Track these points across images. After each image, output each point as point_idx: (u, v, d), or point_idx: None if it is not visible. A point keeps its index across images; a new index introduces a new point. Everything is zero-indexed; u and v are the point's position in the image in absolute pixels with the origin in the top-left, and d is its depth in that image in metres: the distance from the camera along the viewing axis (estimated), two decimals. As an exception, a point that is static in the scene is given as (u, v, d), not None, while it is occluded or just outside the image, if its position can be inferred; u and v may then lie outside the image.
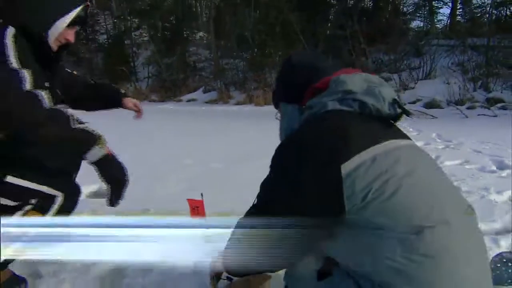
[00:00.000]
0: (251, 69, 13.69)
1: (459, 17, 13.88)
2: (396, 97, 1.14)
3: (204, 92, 14.18)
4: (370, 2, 15.06)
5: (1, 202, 1.34)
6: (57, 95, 1.54)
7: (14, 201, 1.36)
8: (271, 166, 1.10)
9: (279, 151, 1.10)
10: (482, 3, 12.87)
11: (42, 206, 1.41)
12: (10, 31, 1.32)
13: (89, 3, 1.49)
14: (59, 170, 1.48)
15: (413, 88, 9.62)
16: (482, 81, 8.89)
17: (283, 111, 1.26)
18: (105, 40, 18.25)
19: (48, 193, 1.41)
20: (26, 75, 1.25)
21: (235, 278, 1.50)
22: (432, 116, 7.12)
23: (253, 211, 1.11)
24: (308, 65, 1.26)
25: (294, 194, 0.99)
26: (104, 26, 18.92)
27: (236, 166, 3.97)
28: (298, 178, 1.00)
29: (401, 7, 14.76)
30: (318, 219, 0.98)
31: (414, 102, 8.79)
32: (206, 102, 13.30)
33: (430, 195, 0.98)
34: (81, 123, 1.30)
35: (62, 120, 1.26)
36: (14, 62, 1.26)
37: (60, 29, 1.42)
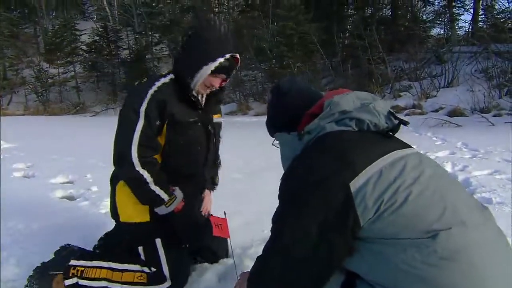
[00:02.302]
0: (269, 80, 13.74)
1: (481, 23, 13.58)
2: (390, 110, 1.19)
3: (224, 103, 14.30)
4: (389, 11, 14.94)
5: None
6: (207, 130, 1.84)
7: None
8: (279, 197, 1.11)
9: (285, 181, 1.11)
10: (505, 8, 12.58)
11: None
12: (166, 78, 1.72)
13: (236, 56, 1.72)
14: None
15: (435, 96, 9.41)
16: (508, 88, 8.60)
17: (281, 141, 1.27)
18: (127, 55, 18.73)
19: None
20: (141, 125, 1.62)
21: None
22: (456, 124, 6.92)
23: (270, 247, 1.11)
24: (298, 93, 1.31)
25: (307, 220, 1.00)
26: (127, 42, 19.45)
27: (256, 176, 3.96)
28: (308, 204, 1.00)
29: (421, 14, 14.57)
30: (335, 239, 0.98)
31: (436, 111, 8.58)
32: (226, 114, 13.40)
33: (440, 197, 0.99)
34: (162, 186, 1.66)
35: (140, 182, 1.63)
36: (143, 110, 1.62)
37: (205, 76, 1.66)
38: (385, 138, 1.14)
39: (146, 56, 17.83)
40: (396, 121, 1.17)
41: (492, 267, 0.92)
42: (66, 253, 1.77)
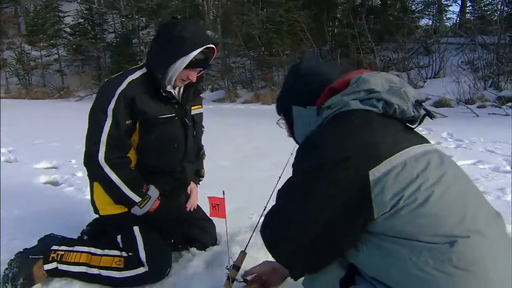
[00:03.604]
0: (258, 68, 13.64)
1: (469, 14, 13.67)
2: (418, 99, 1.09)
3: (212, 91, 14.16)
4: (378, 0, 14.90)
5: None
6: (185, 124, 1.80)
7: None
8: (293, 169, 1.06)
9: (300, 155, 1.04)
10: (492, 0, 12.68)
11: None
12: (136, 74, 1.68)
13: (212, 46, 1.66)
14: None
15: (422, 86, 9.48)
16: (492, 80, 8.73)
17: (297, 114, 1.19)
18: (113, 39, 18.29)
19: None
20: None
21: (250, 277, 1.47)
22: (442, 115, 6.99)
23: (274, 216, 1.07)
24: (320, 67, 1.23)
25: (315, 202, 0.95)
26: (112, 25, 18.97)
27: (244, 164, 3.95)
28: (319, 185, 0.95)
29: (410, 5, 14.57)
30: (343, 227, 0.94)
31: (423, 101, 8.65)
32: (214, 101, 13.28)
33: (461, 202, 0.94)
34: (133, 187, 1.63)
35: (109, 184, 1.60)
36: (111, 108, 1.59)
37: (179, 70, 1.63)
38: (408, 129, 1.08)
39: (133, 41, 17.45)
40: (423, 112, 1.08)
41: (506, 281, 0.88)
42: (49, 240, 1.74)
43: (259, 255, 1.77)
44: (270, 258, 1.18)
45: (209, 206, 1.52)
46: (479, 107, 7.67)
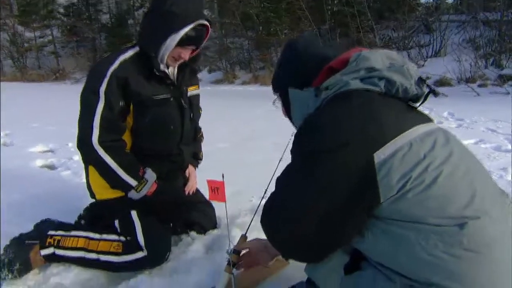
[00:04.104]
0: (256, 48, 13.43)
1: (471, -9, 13.39)
2: (421, 76, 1.04)
3: (209, 72, 13.98)
4: (379, -23, 14.54)
5: None
6: (181, 105, 1.74)
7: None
8: (292, 155, 1.00)
9: (299, 139, 0.99)
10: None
11: None
12: (129, 53, 1.61)
13: (205, 23, 1.59)
14: None
15: (422, 66, 9.36)
16: (494, 58, 8.61)
17: (293, 97, 1.13)
18: (108, 20, 17.94)
19: None
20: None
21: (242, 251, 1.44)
22: (442, 94, 6.93)
23: (272, 204, 1.02)
24: (317, 45, 1.16)
25: (316, 189, 0.90)
26: (107, 6, 18.57)
27: (242, 146, 3.91)
28: (320, 171, 0.90)
29: (411, -19, 14.24)
30: (347, 214, 0.90)
31: (425, 79, 8.56)
32: (212, 83, 13.13)
33: (470, 181, 0.90)
34: (129, 171, 1.58)
35: (104, 168, 1.56)
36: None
37: (171, 48, 1.56)
38: (410, 108, 1.02)
39: (128, 21, 17.12)
40: (426, 89, 1.03)
41: (510, 262, 0.85)
42: (45, 225, 1.70)
43: (260, 237, 1.75)
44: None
45: (208, 189, 1.48)
46: (480, 86, 7.59)
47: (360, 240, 0.95)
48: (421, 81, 1.03)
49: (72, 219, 1.94)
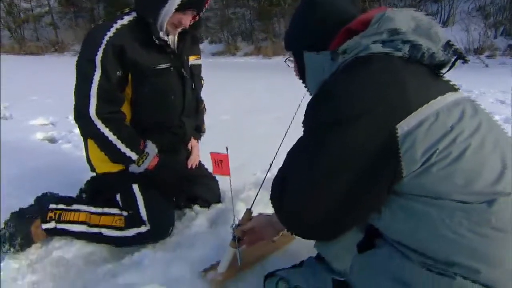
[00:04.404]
0: (258, 19, 13.08)
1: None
2: (449, 40, 0.95)
3: (211, 43, 13.70)
4: None
5: None
6: (182, 75, 1.66)
7: None
8: (305, 126, 0.92)
9: (313, 108, 0.90)
10: None
11: None
12: (126, 19, 1.52)
13: None
14: None
15: (429, 36, 9.10)
16: (504, 27, 8.35)
17: (307, 61, 1.04)
18: (106, -11, 17.42)
19: None
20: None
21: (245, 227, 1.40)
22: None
23: (283, 180, 0.94)
24: (335, 4, 1.05)
25: (336, 159, 0.82)
26: (104, -26, 18.00)
27: (245, 118, 3.85)
28: (340, 140, 0.82)
29: None
30: (366, 189, 0.83)
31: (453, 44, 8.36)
32: (213, 54, 12.89)
33: (499, 156, 0.83)
34: (129, 144, 1.52)
35: (103, 141, 1.50)
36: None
37: (170, 13, 1.46)
38: (436, 75, 0.94)
39: (126, -10, 16.63)
40: (454, 55, 0.93)
41: None
42: (46, 199, 1.67)
43: (265, 213, 1.71)
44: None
45: (212, 163, 1.42)
46: (488, 56, 7.41)
47: (377, 217, 0.89)
48: (448, 45, 0.93)
49: (73, 192, 1.91)
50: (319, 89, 0.93)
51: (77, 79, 1.52)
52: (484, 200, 0.78)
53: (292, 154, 0.95)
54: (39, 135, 3.41)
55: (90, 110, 1.45)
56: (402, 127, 0.79)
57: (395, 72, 0.86)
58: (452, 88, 0.93)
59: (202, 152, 1.99)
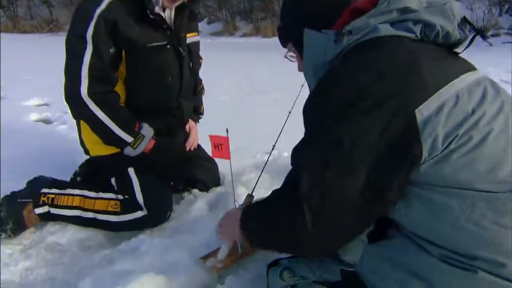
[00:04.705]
0: (258, -3, 12.79)
1: None
2: (465, 16, 0.87)
3: (209, 23, 13.42)
4: None
5: None
6: (179, 53, 1.57)
7: None
8: (310, 117, 0.83)
9: (321, 96, 0.82)
10: None
11: None
12: None
13: None
14: None
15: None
16: (509, 4, 8.16)
17: (307, 39, 0.93)
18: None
19: None
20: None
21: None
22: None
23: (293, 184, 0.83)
24: None
25: (349, 155, 0.74)
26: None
27: (244, 100, 3.77)
28: (353, 133, 0.74)
29: None
30: (386, 181, 0.75)
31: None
32: (211, 34, 12.65)
33: None
34: (124, 126, 1.45)
35: (96, 123, 1.43)
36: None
37: None
38: (453, 54, 0.86)
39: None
40: (471, 33, 0.86)
41: None
42: (39, 183, 1.61)
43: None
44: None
45: (211, 146, 1.35)
46: (492, 35, 7.27)
47: (391, 208, 0.82)
48: (464, 22, 0.86)
49: (67, 175, 1.85)
50: (326, 76, 0.84)
51: (67, 57, 1.43)
52: (509, 189, 0.72)
53: (298, 154, 0.85)
54: (34, 116, 3.33)
55: (81, 90, 1.37)
56: (422, 112, 0.73)
57: (408, 54, 0.79)
58: (471, 67, 0.86)
59: (200, 134, 1.92)
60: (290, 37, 1.02)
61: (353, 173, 0.74)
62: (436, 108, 0.73)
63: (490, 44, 6.47)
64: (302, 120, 0.86)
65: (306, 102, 0.85)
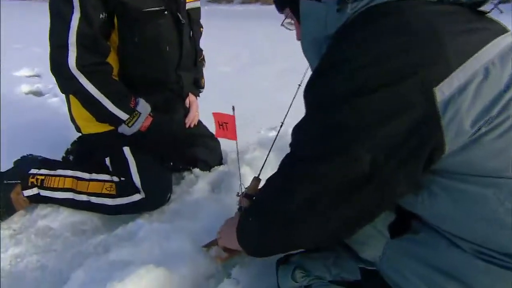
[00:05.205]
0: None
1: None
2: None
3: (206, -11, 12.94)
4: None
5: None
6: (178, 21, 1.42)
7: None
8: (312, 101, 0.72)
9: (325, 76, 0.69)
10: None
11: None
12: None
13: None
14: None
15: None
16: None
17: (304, 11, 0.79)
18: None
19: None
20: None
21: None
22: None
23: (288, 173, 0.76)
24: None
25: (358, 141, 0.64)
26: None
27: (246, 71, 3.61)
28: (362, 116, 0.63)
29: None
30: (396, 173, 0.65)
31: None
32: (208, 1, 12.21)
33: None
34: (118, 101, 1.31)
35: (87, 98, 1.28)
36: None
37: None
38: (477, 15, 0.72)
39: None
40: None
41: None
42: (27, 163, 1.48)
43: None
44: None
45: (215, 124, 1.22)
46: (501, 2, 6.98)
47: (412, 200, 0.72)
48: None
49: (59, 152, 1.73)
50: (330, 53, 0.72)
51: (51, 21, 1.28)
52: None
53: (299, 136, 0.74)
54: (25, 88, 3.16)
55: (69, 62, 1.22)
56: (442, 90, 0.60)
57: (425, 21, 0.65)
58: (502, 29, 0.72)
59: (201, 109, 1.79)
60: (287, 2, 0.89)
61: (356, 161, 0.64)
62: (460, 86, 0.61)
63: (501, 12, 6.25)
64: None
65: (309, 81, 0.73)
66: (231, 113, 1.15)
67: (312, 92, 0.72)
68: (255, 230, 0.85)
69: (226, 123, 1.16)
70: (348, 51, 0.67)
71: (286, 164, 0.77)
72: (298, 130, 0.75)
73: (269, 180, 0.84)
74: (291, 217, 0.73)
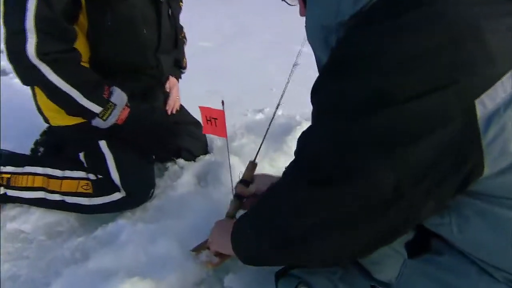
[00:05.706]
0: None
1: None
2: None
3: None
4: None
5: None
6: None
7: None
8: (321, 112, 0.61)
9: (340, 77, 0.57)
10: None
11: None
12: None
13: None
14: None
15: None
16: None
17: None
18: None
19: None
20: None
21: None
22: None
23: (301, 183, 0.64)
24: None
25: (379, 158, 0.54)
26: None
27: (229, 45, 3.44)
28: (393, 126, 0.52)
29: None
30: (425, 193, 0.55)
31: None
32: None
33: None
34: (88, 93, 1.16)
35: (53, 90, 1.13)
36: None
37: None
38: None
39: None
40: None
41: None
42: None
43: (263, 164, 1.45)
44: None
45: (202, 120, 1.09)
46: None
47: (437, 222, 0.64)
48: None
49: (28, 142, 1.58)
50: (345, 49, 0.59)
51: (4, 3, 1.09)
52: None
53: (310, 155, 0.63)
54: (-14, 67, 2.91)
55: (28, 50, 1.06)
56: (484, 103, 0.50)
57: (462, 13, 0.52)
58: None
59: (183, 93, 1.65)
60: None
61: (376, 186, 0.54)
62: (506, 97, 0.50)
63: None
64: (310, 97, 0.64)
65: (320, 80, 0.62)
66: (220, 108, 1.02)
67: (323, 95, 0.60)
68: (253, 245, 0.76)
69: (215, 119, 1.03)
70: (367, 51, 0.55)
71: (293, 180, 0.67)
72: (306, 139, 0.65)
73: (273, 193, 0.74)
74: (299, 240, 0.64)
